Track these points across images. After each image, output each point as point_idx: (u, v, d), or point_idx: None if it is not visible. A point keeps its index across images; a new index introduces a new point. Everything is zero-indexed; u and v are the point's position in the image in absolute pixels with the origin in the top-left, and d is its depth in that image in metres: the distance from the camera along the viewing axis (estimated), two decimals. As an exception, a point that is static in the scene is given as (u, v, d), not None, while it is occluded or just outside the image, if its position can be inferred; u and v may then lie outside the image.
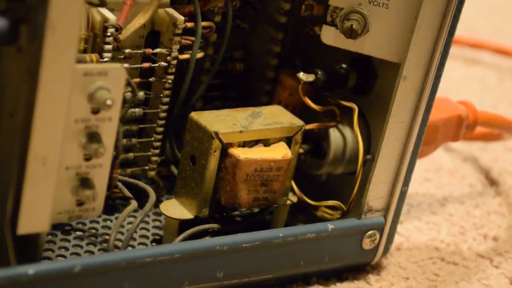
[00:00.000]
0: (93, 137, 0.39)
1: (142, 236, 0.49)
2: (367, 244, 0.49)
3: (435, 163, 0.64)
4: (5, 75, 0.39)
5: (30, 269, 0.39)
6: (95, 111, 0.39)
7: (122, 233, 0.48)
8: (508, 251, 0.55)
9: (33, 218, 0.38)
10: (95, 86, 0.39)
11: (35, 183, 0.38)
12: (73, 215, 0.41)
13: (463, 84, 0.79)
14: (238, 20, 0.52)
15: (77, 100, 0.38)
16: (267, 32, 0.53)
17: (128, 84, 0.41)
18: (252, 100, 0.54)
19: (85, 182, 0.40)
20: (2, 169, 0.39)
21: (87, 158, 0.40)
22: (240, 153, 0.46)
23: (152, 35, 0.48)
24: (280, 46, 0.53)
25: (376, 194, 0.49)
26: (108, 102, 0.38)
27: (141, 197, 0.48)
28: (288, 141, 0.48)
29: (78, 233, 0.47)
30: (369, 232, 0.49)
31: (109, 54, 0.45)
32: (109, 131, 0.40)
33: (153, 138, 0.50)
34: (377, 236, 0.49)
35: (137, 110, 0.49)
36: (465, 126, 0.55)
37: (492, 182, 0.63)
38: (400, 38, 0.46)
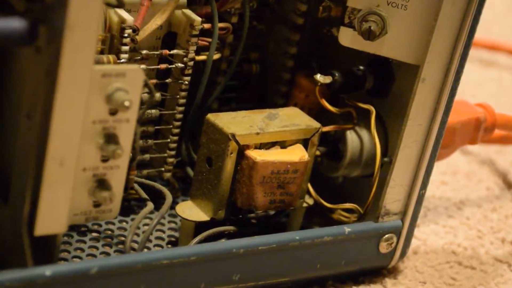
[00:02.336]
0: (111, 138, 0.39)
1: (157, 237, 0.48)
2: (384, 247, 0.49)
3: (452, 166, 0.64)
4: (23, 75, 0.39)
5: (47, 271, 0.39)
6: (113, 113, 0.39)
7: (138, 235, 0.48)
8: (526, 255, 0.55)
9: (50, 219, 0.38)
10: (113, 88, 0.38)
11: (53, 184, 0.38)
12: (89, 217, 0.41)
13: (479, 86, 0.79)
14: (254, 22, 0.52)
15: (95, 101, 0.38)
16: (283, 33, 0.53)
17: (146, 85, 0.40)
18: (268, 102, 0.54)
19: (102, 184, 0.40)
20: (19, 170, 0.39)
21: (104, 160, 0.40)
22: (256, 155, 0.46)
23: (169, 36, 0.48)
24: (296, 47, 0.53)
25: (393, 197, 0.48)
26: (126, 103, 0.38)
27: (157, 198, 0.48)
28: (305, 143, 0.48)
29: (94, 234, 0.47)
30: (386, 236, 0.49)
31: (126, 55, 0.45)
32: (126, 132, 0.40)
33: (169, 140, 0.50)
34: (394, 239, 0.49)
35: (154, 111, 0.49)
36: (483, 129, 0.54)
37: (509, 185, 0.63)
38: (418, 40, 0.46)
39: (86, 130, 0.38)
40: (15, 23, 0.37)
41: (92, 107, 0.38)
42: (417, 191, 0.49)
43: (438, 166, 0.60)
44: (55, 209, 0.38)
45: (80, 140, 0.38)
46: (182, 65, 0.48)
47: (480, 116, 0.54)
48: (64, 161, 0.38)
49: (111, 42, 0.45)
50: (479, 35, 0.67)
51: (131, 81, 0.39)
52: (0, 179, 0.41)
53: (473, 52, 0.80)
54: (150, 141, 0.49)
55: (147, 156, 0.49)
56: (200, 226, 0.47)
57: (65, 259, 0.45)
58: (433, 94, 0.47)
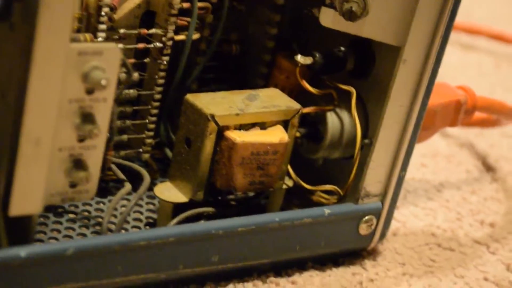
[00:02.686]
0: (87, 117, 0.39)
1: (135, 219, 0.48)
2: (363, 229, 0.49)
3: (432, 149, 0.64)
4: (-3, 53, 0.38)
5: (22, 251, 0.38)
6: (90, 91, 0.38)
7: (115, 216, 0.47)
8: (505, 237, 0.55)
9: (26, 199, 0.38)
10: (90, 66, 0.38)
11: (28, 164, 0.37)
12: (66, 197, 0.40)
13: (460, 69, 0.79)
14: (234, 2, 0.51)
15: (71, 80, 0.38)
16: (264, 14, 0.52)
17: (123, 64, 0.40)
18: (248, 83, 0.53)
19: (78, 164, 0.39)
20: (-6, 149, 0.39)
21: (81, 139, 0.39)
22: (236, 136, 0.46)
23: (147, 16, 0.47)
24: (276, 28, 0.52)
25: (373, 178, 0.48)
26: (103, 82, 0.38)
27: (135, 179, 0.47)
28: (285, 124, 0.48)
29: (71, 215, 0.47)
30: (366, 217, 0.49)
31: (103, 34, 0.44)
32: (103, 112, 0.39)
33: (147, 120, 0.49)
34: (374, 221, 0.49)
35: (132, 92, 0.48)
36: (464, 111, 0.54)
37: (488, 168, 0.63)
38: (400, 21, 0.46)
39: (62, 109, 0.38)
40: (-11, -1, 0.36)
41: (68, 86, 0.38)
42: (397, 173, 0.48)
43: (418, 148, 0.60)
44: (30, 189, 0.38)
45: (56, 119, 0.37)
46: (161, 44, 0.47)
47: (460, 99, 0.54)
48: (40, 141, 0.37)
49: (88, 21, 0.44)
50: (459, 18, 0.67)
51: (108, 59, 0.38)
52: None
53: (453, 36, 0.80)
54: (128, 122, 0.49)
55: (125, 137, 0.49)
56: (178, 208, 0.47)
57: (41, 240, 0.44)
58: (414, 76, 0.46)
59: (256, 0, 0.52)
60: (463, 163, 0.63)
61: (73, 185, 0.40)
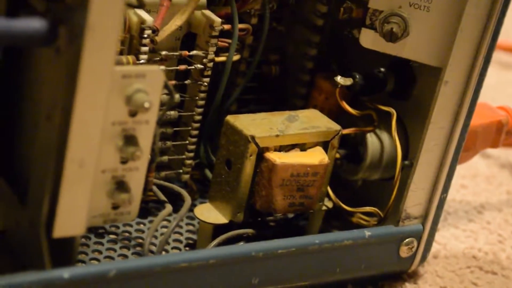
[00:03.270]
0: (130, 140, 0.39)
1: (175, 240, 0.48)
2: (404, 251, 0.48)
3: (472, 169, 0.63)
4: (43, 76, 0.39)
5: (66, 273, 0.38)
6: (133, 114, 0.39)
7: (156, 237, 0.47)
8: (548, 260, 0.54)
9: (69, 221, 0.38)
10: (133, 89, 0.38)
11: (72, 186, 0.37)
12: (108, 219, 0.40)
13: (499, 88, 0.78)
14: (274, 23, 0.52)
15: (115, 102, 0.38)
16: (303, 34, 0.52)
17: (165, 86, 0.40)
18: (287, 104, 0.53)
19: (121, 186, 0.40)
20: (38, 172, 0.39)
21: (124, 161, 0.39)
22: (276, 157, 0.46)
23: (189, 37, 0.48)
24: (316, 49, 0.52)
25: (414, 201, 0.48)
26: (146, 104, 0.38)
27: (174, 200, 0.48)
28: (325, 145, 0.48)
29: (112, 236, 0.47)
30: (407, 240, 0.48)
31: (145, 56, 0.45)
32: (146, 134, 0.39)
33: (187, 141, 0.49)
34: (415, 243, 0.48)
35: (173, 113, 0.48)
36: (505, 132, 0.53)
37: (529, 189, 0.62)
38: (441, 42, 0.45)
39: (106, 131, 0.38)
40: (35, 24, 0.36)
41: (112, 108, 0.38)
42: (438, 195, 0.48)
43: (458, 169, 0.59)
44: (74, 211, 0.38)
45: (99, 141, 0.38)
46: (202, 66, 0.47)
47: (502, 119, 0.53)
48: (84, 163, 0.37)
49: (131, 43, 0.45)
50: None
51: (151, 82, 0.38)
52: (19, 181, 0.41)
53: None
54: (168, 143, 0.49)
55: (165, 158, 0.49)
56: (218, 229, 0.47)
57: (83, 261, 0.44)
58: (456, 97, 0.46)
59: (296, 21, 0.52)
60: (504, 184, 0.63)
61: (115, 206, 0.40)
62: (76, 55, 0.36)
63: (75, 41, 0.36)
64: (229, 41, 0.48)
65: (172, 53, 0.47)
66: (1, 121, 0.42)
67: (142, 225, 0.48)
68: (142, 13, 0.44)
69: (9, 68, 0.41)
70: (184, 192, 0.47)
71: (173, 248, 0.47)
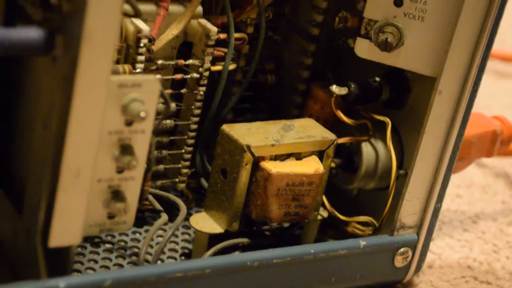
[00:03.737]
0: (126, 149, 0.39)
1: (171, 249, 0.48)
2: (399, 261, 0.48)
3: (467, 179, 0.63)
4: (39, 85, 0.39)
5: (61, 283, 0.38)
6: (129, 123, 0.39)
7: (151, 246, 0.47)
8: (542, 270, 0.54)
9: (65, 230, 0.38)
10: (129, 98, 0.38)
11: (68, 195, 0.37)
12: (104, 228, 0.40)
13: (494, 97, 0.78)
14: (270, 32, 0.52)
15: (111, 111, 0.38)
16: (299, 44, 0.53)
17: (161, 95, 0.40)
18: (283, 113, 0.53)
19: (117, 195, 0.40)
20: (34, 180, 0.39)
21: (120, 171, 0.39)
22: (272, 167, 0.46)
23: (185, 46, 0.48)
24: (312, 58, 0.52)
25: (409, 210, 0.48)
26: (142, 114, 0.38)
27: (170, 209, 0.48)
28: (320, 155, 0.48)
29: (107, 245, 0.47)
30: (402, 249, 0.48)
31: (141, 65, 0.45)
32: (141, 143, 0.40)
33: (183, 150, 0.49)
34: (410, 253, 0.48)
35: (168, 122, 0.48)
36: (500, 142, 0.54)
37: (525, 199, 0.62)
38: (435, 52, 0.45)
39: (102, 141, 0.38)
40: (32, 33, 0.36)
41: (108, 118, 0.38)
42: (433, 205, 0.48)
43: (453, 178, 0.60)
44: (70, 220, 0.38)
45: (96, 151, 0.38)
46: (198, 75, 0.47)
47: (496, 129, 0.54)
48: (80, 172, 0.37)
49: (127, 52, 0.45)
50: (493, 45, 0.67)
51: (147, 91, 0.38)
52: (15, 190, 0.41)
53: (487, 63, 0.80)
54: (164, 152, 0.49)
55: (161, 166, 0.49)
56: (214, 238, 0.47)
57: (79, 271, 0.44)
58: (450, 107, 0.46)
59: (292, 30, 0.53)
60: (499, 193, 0.63)
61: (111, 216, 0.40)
62: (72, 64, 0.36)
63: (71, 50, 0.36)
64: (225, 50, 0.48)
65: (168, 62, 0.47)
66: (-3, 130, 0.42)
67: (138, 234, 0.48)
68: (138, 22, 0.44)
69: (5, 77, 0.42)
70: (179, 202, 0.47)
71: (168, 257, 0.47)
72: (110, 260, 0.46)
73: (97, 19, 0.35)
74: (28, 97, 0.40)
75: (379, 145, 0.49)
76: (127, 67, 0.43)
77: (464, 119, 0.47)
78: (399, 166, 0.49)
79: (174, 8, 0.46)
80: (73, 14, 0.36)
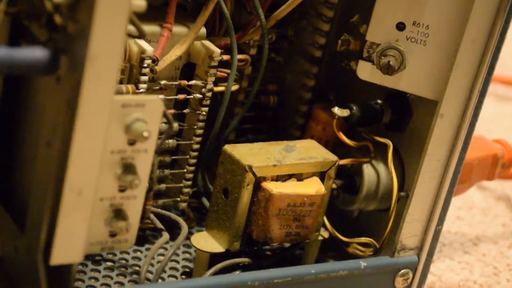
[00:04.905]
0: (129, 168, 0.39)
1: (172, 268, 0.48)
2: (399, 283, 0.48)
3: (468, 201, 0.64)
4: (43, 104, 0.39)
5: (62, 300, 0.38)
6: (131, 143, 0.39)
7: (152, 265, 0.47)
8: (543, 293, 0.54)
9: (67, 248, 0.38)
10: (132, 118, 0.38)
11: (70, 213, 0.38)
12: (105, 246, 0.40)
13: (496, 120, 0.78)
14: (273, 54, 0.52)
15: (114, 131, 0.38)
16: (301, 65, 0.53)
17: (164, 115, 0.40)
18: (285, 134, 0.54)
19: (119, 214, 0.40)
20: (37, 199, 0.39)
21: (122, 190, 0.40)
22: (273, 187, 0.46)
23: (188, 67, 0.48)
24: (314, 80, 0.53)
25: (409, 232, 0.48)
26: (145, 134, 0.38)
27: (171, 228, 0.48)
28: (322, 176, 0.48)
29: (109, 263, 0.47)
30: (402, 271, 0.48)
31: (145, 85, 0.45)
32: (144, 162, 0.40)
33: (185, 170, 0.50)
34: (410, 275, 0.49)
35: (171, 141, 0.49)
36: (501, 165, 0.54)
37: (525, 222, 0.63)
38: (437, 76, 0.46)
39: (105, 160, 0.38)
40: (37, 53, 0.37)
41: (111, 137, 0.38)
42: (434, 227, 0.48)
43: (454, 201, 0.60)
44: (72, 238, 0.38)
45: (98, 170, 0.38)
46: (200, 95, 0.48)
47: (497, 153, 0.54)
48: (82, 191, 0.38)
49: (130, 72, 0.45)
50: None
51: (150, 111, 0.39)
52: (18, 208, 0.41)
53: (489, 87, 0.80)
54: (166, 171, 0.49)
55: (163, 186, 0.49)
56: (215, 257, 0.47)
57: (79, 288, 0.45)
58: (451, 130, 0.46)
59: (294, 52, 0.53)
60: (500, 216, 0.63)
61: (113, 234, 0.40)
62: (76, 84, 0.36)
63: (76, 70, 0.36)
64: (228, 71, 0.48)
65: (171, 83, 0.47)
66: (0, 147, 0.43)
67: (139, 253, 0.49)
68: (142, 43, 0.45)
69: (10, 96, 0.42)
70: (181, 221, 0.47)
71: (169, 276, 0.48)
72: (111, 278, 0.46)
73: (101, 40, 0.36)
74: (32, 116, 0.41)
75: (380, 167, 0.50)
76: (130, 87, 0.44)
77: (465, 142, 0.47)
78: (400, 188, 0.49)
79: (177, 29, 0.46)
80: (78, 35, 0.36)
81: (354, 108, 0.49)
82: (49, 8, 0.36)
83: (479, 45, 0.45)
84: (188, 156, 0.49)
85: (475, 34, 0.44)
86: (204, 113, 0.48)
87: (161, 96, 0.46)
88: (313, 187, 0.47)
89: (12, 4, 0.38)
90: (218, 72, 0.48)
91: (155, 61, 0.45)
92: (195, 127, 0.49)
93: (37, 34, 0.38)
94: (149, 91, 0.46)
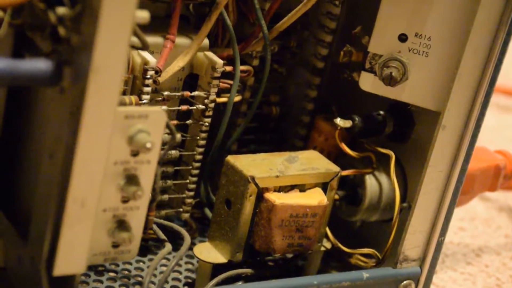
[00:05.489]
0: (132, 179, 0.39)
1: (174, 279, 0.48)
2: (402, 294, 0.49)
3: (470, 212, 0.64)
4: (46, 115, 0.40)
5: (65, 311, 0.38)
6: (135, 154, 0.39)
7: (155, 276, 0.47)
8: (545, 304, 0.54)
9: (70, 259, 0.38)
10: (135, 129, 0.39)
11: (73, 224, 0.38)
12: (108, 257, 0.40)
13: (497, 131, 0.78)
14: (275, 64, 0.52)
15: (117, 142, 0.38)
16: (303, 76, 0.53)
17: (167, 126, 0.41)
18: (287, 144, 0.54)
19: (121, 225, 0.40)
20: (40, 209, 0.39)
21: (125, 200, 0.40)
22: (276, 198, 0.46)
23: (191, 78, 0.48)
24: (316, 91, 0.53)
25: (412, 243, 0.48)
26: (148, 145, 0.38)
27: (174, 239, 0.48)
28: (324, 186, 0.48)
29: (111, 274, 0.47)
30: (405, 282, 0.48)
31: (148, 96, 0.45)
32: (147, 173, 0.40)
33: (188, 180, 0.50)
34: (413, 286, 0.49)
35: (174, 152, 0.49)
36: (503, 176, 0.54)
37: (528, 233, 0.63)
38: (439, 87, 0.46)
39: (108, 171, 0.39)
40: (40, 64, 0.37)
41: (114, 148, 0.38)
42: (436, 238, 0.48)
43: (456, 211, 0.60)
44: (75, 249, 0.38)
45: (101, 181, 0.38)
46: (203, 106, 0.48)
47: (500, 163, 0.54)
48: (85, 202, 0.38)
49: (133, 83, 0.46)
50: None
51: (153, 122, 0.39)
52: (21, 218, 0.41)
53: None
54: (169, 182, 0.49)
55: (165, 196, 0.49)
56: (217, 268, 0.47)
57: (82, 299, 0.45)
58: (454, 141, 0.47)
59: (297, 63, 0.53)
60: (503, 227, 0.63)
61: (115, 245, 0.40)
62: (80, 95, 0.36)
63: (79, 81, 0.37)
64: (231, 82, 0.48)
65: (174, 94, 0.47)
66: (3, 157, 0.43)
67: (141, 263, 0.49)
68: (145, 54, 0.45)
69: (13, 107, 0.42)
70: (184, 231, 0.47)
71: (171, 286, 0.48)
72: (114, 289, 0.46)
73: (105, 52, 0.36)
74: (35, 127, 0.41)
75: (383, 177, 0.50)
76: (133, 98, 0.44)
77: (468, 153, 0.47)
78: (403, 199, 0.49)
79: (180, 40, 0.47)
80: (81, 47, 0.36)
81: (357, 119, 0.49)
82: (53, 20, 0.37)
83: (481, 57, 0.45)
84: (190, 167, 0.50)
85: (477, 46, 0.45)
86: (206, 124, 0.48)
87: (164, 107, 0.46)
88: (316, 198, 0.47)
89: (16, 16, 0.38)
90: (220, 83, 0.48)
91: (158, 72, 0.45)
92: (198, 138, 0.49)
93: (41, 45, 0.39)
94: (152, 102, 0.46)
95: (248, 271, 0.47)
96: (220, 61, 0.47)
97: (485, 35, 0.44)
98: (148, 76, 0.45)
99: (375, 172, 0.50)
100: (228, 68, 0.48)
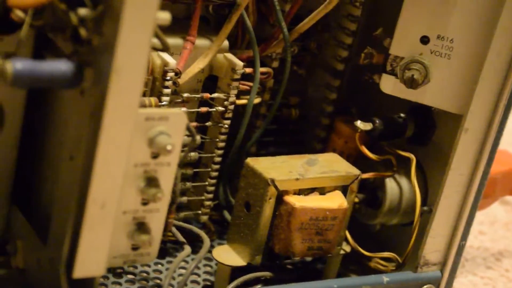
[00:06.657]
0: (152, 181, 0.39)
1: (193, 281, 0.48)
2: (422, 298, 0.48)
3: (490, 216, 0.63)
4: (67, 117, 0.39)
5: (84, 314, 0.38)
6: (155, 156, 0.39)
7: (173, 278, 0.47)
8: None
9: (90, 262, 0.38)
10: (156, 131, 0.38)
11: (93, 227, 0.38)
12: (128, 260, 0.40)
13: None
14: (295, 66, 0.52)
15: (138, 144, 0.38)
16: (323, 78, 0.53)
17: (187, 128, 0.40)
18: (306, 147, 0.54)
19: (141, 227, 0.40)
20: (60, 211, 0.39)
21: (145, 203, 0.40)
22: (295, 201, 0.46)
23: (210, 80, 0.48)
24: (336, 93, 0.53)
25: (433, 247, 0.47)
26: (168, 147, 0.38)
27: (192, 241, 0.48)
28: (344, 190, 0.48)
29: (130, 276, 0.47)
30: (425, 286, 0.48)
31: (167, 98, 0.45)
32: (167, 176, 0.40)
33: (207, 183, 0.49)
34: (433, 290, 0.48)
35: (193, 154, 0.48)
36: (525, 180, 0.53)
37: (548, 237, 0.62)
38: (462, 89, 0.46)
39: (128, 173, 0.38)
40: (61, 66, 0.37)
41: (135, 150, 0.38)
42: (457, 242, 0.48)
43: (476, 215, 0.59)
44: (95, 251, 0.38)
45: (122, 183, 0.38)
46: (223, 108, 0.48)
47: (522, 167, 0.53)
48: (106, 204, 0.37)
49: (153, 85, 0.45)
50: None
51: (174, 125, 0.39)
52: (40, 220, 0.41)
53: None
54: (188, 184, 0.49)
55: (185, 198, 0.49)
56: (236, 271, 0.46)
57: (101, 301, 0.44)
58: (476, 144, 0.46)
59: (317, 65, 0.53)
60: (523, 231, 0.62)
61: (135, 247, 0.40)
62: (101, 97, 0.36)
63: (100, 83, 0.36)
64: (251, 84, 0.48)
65: (193, 95, 0.47)
66: (23, 158, 0.43)
67: (160, 266, 0.48)
68: (165, 55, 0.45)
69: (34, 108, 0.42)
70: (203, 234, 0.47)
71: (190, 289, 0.47)
72: (132, 291, 0.46)
73: (126, 53, 0.35)
74: (56, 129, 0.41)
75: (403, 181, 0.49)
76: (153, 99, 0.44)
77: (490, 156, 0.47)
78: (423, 203, 0.48)
79: (200, 42, 0.46)
80: (103, 48, 0.36)
81: (377, 121, 0.48)
82: (74, 21, 0.36)
83: (504, 59, 0.44)
84: (210, 169, 0.49)
85: (501, 48, 0.44)
86: (226, 126, 0.48)
87: (184, 109, 0.46)
88: (336, 201, 0.47)
89: (37, 17, 0.38)
90: (240, 85, 0.48)
91: (177, 73, 0.45)
92: (217, 140, 0.49)
93: (62, 47, 0.39)
94: (171, 103, 0.46)
95: (267, 274, 0.47)
96: (240, 63, 0.47)
97: (509, 37, 0.44)
98: (168, 78, 0.45)
99: (396, 175, 0.49)
100: (248, 70, 0.48)
